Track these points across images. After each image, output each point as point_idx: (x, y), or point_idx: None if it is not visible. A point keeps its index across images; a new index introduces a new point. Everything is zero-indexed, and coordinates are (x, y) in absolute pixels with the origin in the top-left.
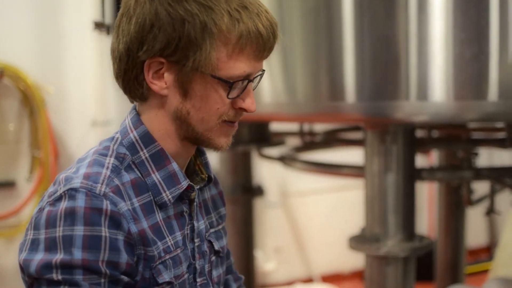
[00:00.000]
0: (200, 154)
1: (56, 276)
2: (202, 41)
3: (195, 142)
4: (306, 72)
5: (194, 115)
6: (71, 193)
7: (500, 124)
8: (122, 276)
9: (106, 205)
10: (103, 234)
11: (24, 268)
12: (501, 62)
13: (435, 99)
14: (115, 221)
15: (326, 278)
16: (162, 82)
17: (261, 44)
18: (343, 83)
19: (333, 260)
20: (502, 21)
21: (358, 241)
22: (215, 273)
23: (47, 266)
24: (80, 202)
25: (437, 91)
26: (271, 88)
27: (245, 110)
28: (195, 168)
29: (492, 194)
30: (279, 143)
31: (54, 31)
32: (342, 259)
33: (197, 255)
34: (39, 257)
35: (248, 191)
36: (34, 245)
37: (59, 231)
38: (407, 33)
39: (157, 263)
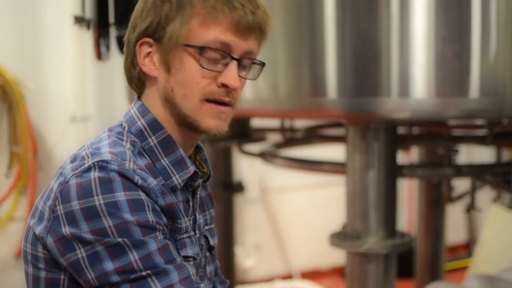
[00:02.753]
0: (199, 150)
1: (117, 240)
2: (177, 15)
3: (186, 126)
4: (287, 68)
5: (177, 92)
6: (102, 164)
7: (480, 121)
8: (167, 232)
9: (137, 179)
10: (143, 197)
11: (74, 240)
12: (483, 60)
13: (416, 96)
14: (146, 193)
15: (306, 275)
16: (151, 63)
17: (235, 17)
18: (325, 80)
19: (313, 256)
20: (484, 19)
21: (339, 238)
22: (208, 269)
23: (102, 234)
24: (114, 172)
25: (418, 88)
26: (252, 84)
27: (227, 86)
28: (196, 163)
29: (472, 191)
30: (260, 139)
31: (33, 26)
32: (321, 256)
33: (197, 246)
34: (86, 228)
35: (229, 187)
36: (71, 218)
37: (99, 200)
38: (389, 30)
39: (181, 236)
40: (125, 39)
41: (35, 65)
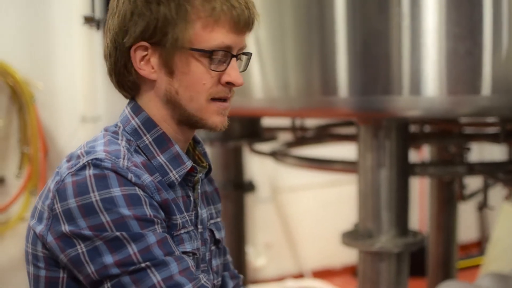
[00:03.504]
0: (197, 144)
1: (115, 234)
2: (177, 17)
3: (189, 124)
4: (298, 67)
5: (183, 94)
6: (96, 162)
7: (491, 119)
8: (165, 226)
9: (131, 177)
10: (139, 193)
11: (73, 236)
12: (495, 57)
13: (428, 94)
14: (142, 190)
15: (317, 274)
16: (149, 67)
17: (235, 15)
18: (336, 78)
19: (324, 255)
20: (496, 16)
21: (351, 237)
22: (214, 262)
23: (100, 229)
24: (108, 169)
25: (430, 86)
26: (263, 83)
27: (232, 84)
28: (195, 158)
29: (485, 189)
30: (271, 138)
31: (43, 26)
32: (333, 255)
33: (200, 242)
34: (84, 225)
35: (239, 186)
36: (69, 216)
37: (95, 196)
38: (400, 28)
39: (179, 232)
40: (110, 43)
41: (45, 66)
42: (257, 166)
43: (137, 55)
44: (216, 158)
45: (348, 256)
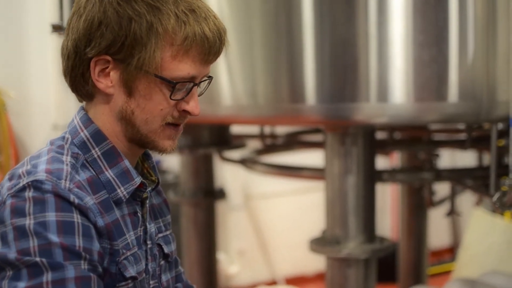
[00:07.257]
0: (146, 157)
1: (35, 260)
2: (148, 40)
3: (140, 144)
4: (266, 74)
5: (138, 115)
6: (36, 184)
7: (461, 125)
8: (97, 264)
9: (73, 198)
10: (75, 220)
11: (1, 261)
12: (461, 64)
13: (395, 101)
14: (83, 213)
15: (290, 281)
16: (107, 81)
17: (206, 47)
18: (304, 86)
19: (297, 262)
20: (461, 24)
21: (319, 244)
22: (164, 277)
23: (25, 253)
24: (48, 192)
25: (397, 93)
26: (231, 90)
27: (188, 113)
28: (144, 171)
29: (452, 195)
30: (240, 145)
31: (15, 35)
32: (305, 261)
33: (149, 257)
34: (13, 248)
35: (210, 194)
36: (5, 238)
37: (30, 219)
38: (367, 36)
39: (122, 258)
40: (72, 46)
41: (17, 74)
42: (229, 173)
43: (97, 67)
44: (186, 166)
45: (321, 262)
